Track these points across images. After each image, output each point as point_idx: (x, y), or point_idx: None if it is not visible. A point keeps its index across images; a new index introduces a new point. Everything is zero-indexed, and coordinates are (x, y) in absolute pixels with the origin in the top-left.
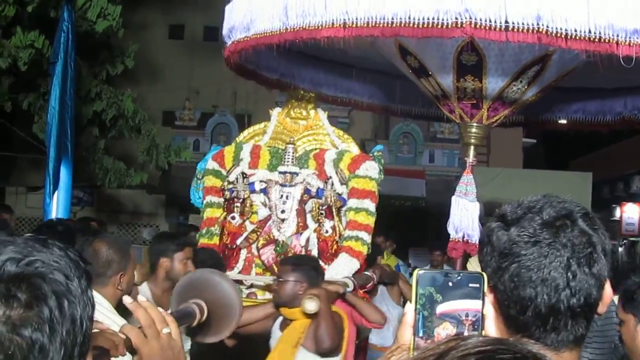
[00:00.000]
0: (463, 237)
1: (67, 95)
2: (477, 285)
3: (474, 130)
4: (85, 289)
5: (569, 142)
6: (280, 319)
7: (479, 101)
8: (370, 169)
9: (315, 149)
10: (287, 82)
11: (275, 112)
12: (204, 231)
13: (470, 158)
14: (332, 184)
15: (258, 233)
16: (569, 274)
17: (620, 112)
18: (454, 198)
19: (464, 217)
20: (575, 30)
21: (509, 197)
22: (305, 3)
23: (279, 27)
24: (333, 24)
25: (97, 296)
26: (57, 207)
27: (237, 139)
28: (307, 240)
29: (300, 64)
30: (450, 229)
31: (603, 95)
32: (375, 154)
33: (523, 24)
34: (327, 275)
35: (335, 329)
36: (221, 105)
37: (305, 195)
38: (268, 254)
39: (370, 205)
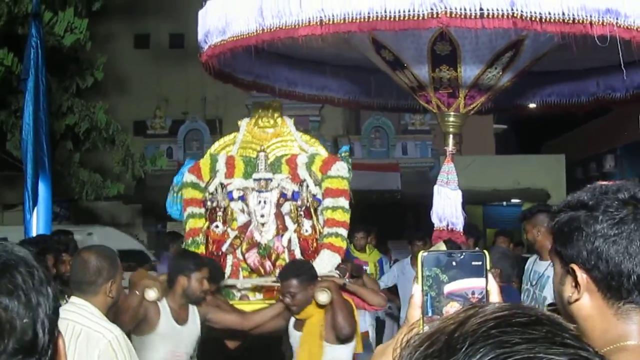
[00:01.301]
0: (447, 225)
1: (40, 110)
2: (480, 263)
3: (452, 119)
4: (48, 273)
5: (540, 126)
6: (292, 320)
7: (455, 90)
8: (341, 169)
9: (286, 154)
10: (263, 84)
11: (244, 123)
12: (189, 241)
13: (450, 147)
14: (307, 186)
15: (241, 238)
16: None
17: (594, 93)
18: (436, 187)
19: (447, 206)
20: (549, 13)
21: (484, 184)
22: (279, 3)
23: (255, 28)
24: (310, 22)
25: (87, 305)
26: (37, 223)
27: (209, 150)
28: (289, 241)
29: (275, 64)
30: (434, 218)
31: (575, 77)
32: (342, 154)
33: (497, 9)
34: None
35: (351, 315)
36: (191, 112)
37: (282, 198)
38: (253, 257)
39: (345, 203)
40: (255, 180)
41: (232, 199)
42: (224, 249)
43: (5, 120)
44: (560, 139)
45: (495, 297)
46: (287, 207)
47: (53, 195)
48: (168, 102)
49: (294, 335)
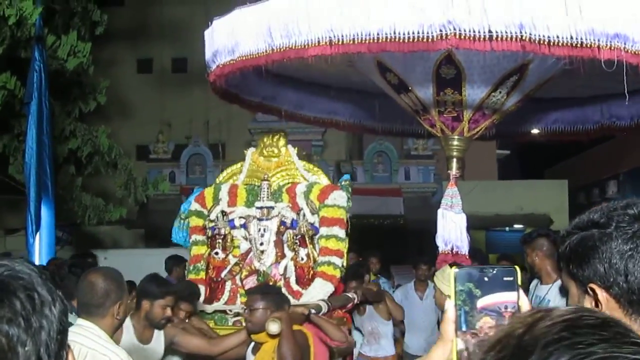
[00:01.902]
0: (452, 248)
1: (43, 134)
2: (512, 278)
3: (455, 143)
4: (50, 291)
5: (543, 151)
6: (252, 344)
7: (459, 114)
8: (338, 197)
9: (288, 183)
10: (269, 105)
11: (250, 152)
12: (191, 267)
13: (454, 170)
14: (304, 215)
15: (240, 265)
16: None
17: (598, 121)
18: (440, 211)
19: (452, 229)
20: (557, 37)
21: (487, 209)
22: (289, 23)
23: (264, 48)
24: (319, 42)
25: (94, 328)
26: (40, 247)
27: (216, 179)
28: (285, 268)
29: (281, 86)
30: (439, 242)
31: (580, 105)
32: (343, 183)
33: (506, 32)
34: (305, 299)
35: (296, 347)
36: (194, 136)
37: (282, 226)
38: (251, 283)
39: (340, 232)
40: (257, 208)
41: (233, 227)
42: (223, 275)
43: (8, 144)
44: (562, 164)
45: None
46: (286, 235)
47: (56, 219)
48: (171, 127)
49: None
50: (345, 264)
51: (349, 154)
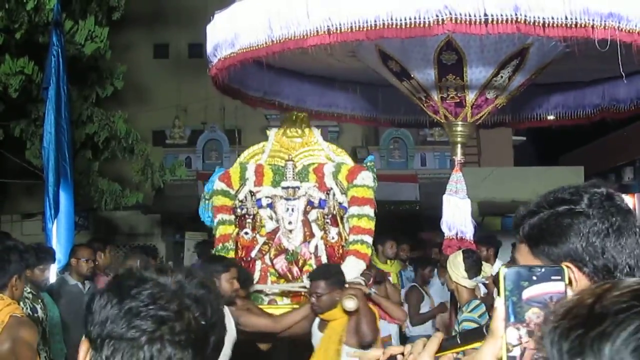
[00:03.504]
0: (457, 233)
1: (62, 118)
2: (559, 277)
3: (459, 128)
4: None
5: (558, 138)
6: (317, 320)
7: (462, 99)
8: (367, 178)
9: (313, 163)
10: (271, 100)
11: (273, 132)
12: (219, 247)
13: (459, 156)
14: (334, 195)
15: (269, 244)
16: (636, 230)
17: (598, 104)
18: (445, 197)
19: (457, 215)
20: (552, 18)
21: (502, 195)
22: (288, 14)
23: (264, 39)
24: (317, 31)
25: None
26: (58, 232)
27: (239, 159)
28: (316, 247)
29: (284, 81)
30: (444, 227)
31: (581, 88)
32: (368, 164)
33: (502, 15)
34: None
35: (374, 323)
36: (210, 122)
37: (309, 206)
38: (281, 262)
39: (370, 211)
40: (283, 188)
41: (260, 207)
42: (252, 254)
43: (25, 128)
44: (578, 150)
45: None
46: (313, 214)
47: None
48: (187, 112)
49: (316, 336)
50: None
51: (364, 139)
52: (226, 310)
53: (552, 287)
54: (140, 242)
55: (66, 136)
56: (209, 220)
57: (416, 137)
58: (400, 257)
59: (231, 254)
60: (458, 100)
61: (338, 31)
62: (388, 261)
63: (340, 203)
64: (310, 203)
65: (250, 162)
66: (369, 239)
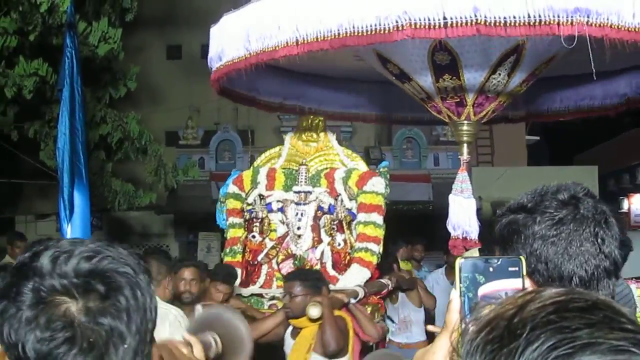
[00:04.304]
0: (462, 233)
1: (76, 120)
2: (517, 268)
3: (465, 128)
4: (149, 283)
5: (572, 137)
6: (290, 328)
7: (461, 98)
8: (377, 184)
9: (326, 168)
10: (293, 105)
11: (289, 137)
12: (227, 250)
13: (465, 156)
14: (342, 200)
15: (277, 249)
16: (598, 240)
17: (625, 94)
18: (451, 196)
19: (461, 214)
20: (514, 17)
21: (516, 195)
22: (262, 27)
23: (243, 53)
24: (287, 42)
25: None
26: (73, 233)
27: (254, 163)
28: (322, 253)
29: (301, 85)
30: (449, 227)
31: (608, 78)
32: (381, 170)
33: (461, 18)
34: (341, 284)
35: (338, 331)
36: (223, 122)
37: (319, 211)
38: (287, 267)
39: (378, 219)
40: (295, 192)
41: (271, 211)
42: (259, 258)
43: (39, 130)
44: (592, 150)
45: None
46: (323, 220)
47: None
48: (200, 113)
49: (288, 344)
50: (381, 251)
51: (377, 139)
52: (199, 311)
53: (509, 284)
54: (154, 242)
55: (80, 137)
56: (224, 224)
57: (429, 137)
58: (415, 257)
59: (238, 257)
60: (458, 100)
61: (305, 41)
62: (401, 262)
63: (348, 209)
64: (320, 208)
65: (266, 165)
66: (375, 247)
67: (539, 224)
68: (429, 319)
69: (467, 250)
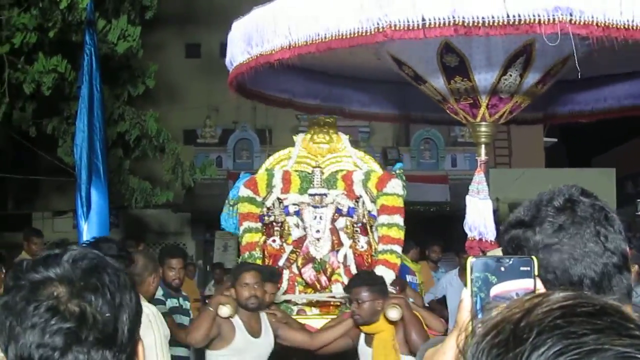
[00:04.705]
0: (478, 235)
1: (94, 117)
2: (528, 268)
3: (483, 129)
4: (131, 284)
5: (590, 139)
6: (362, 336)
7: (475, 100)
8: (396, 186)
9: (341, 170)
10: (333, 107)
11: (299, 138)
12: (246, 255)
13: (482, 157)
14: (364, 203)
15: (297, 253)
16: (601, 238)
17: None
18: (467, 197)
19: (477, 215)
20: (493, 17)
21: (533, 197)
22: (262, 32)
23: (246, 57)
24: (281, 47)
25: None
26: (89, 230)
27: (265, 165)
28: (345, 257)
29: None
30: (467, 228)
31: (631, 78)
32: (397, 171)
33: (439, 18)
34: None
35: (423, 330)
36: (241, 121)
37: (336, 214)
38: (309, 272)
39: (400, 220)
40: (310, 195)
41: (287, 214)
42: (280, 263)
43: (57, 126)
44: (610, 152)
45: None
46: (342, 222)
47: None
48: (218, 111)
49: (366, 353)
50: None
51: (395, 140)
52: (264, 318)
53: (521, 284)
54: (170, 240)
55: (99, 134)
56: (233, 227)
57: (447, 138)
58: (431, 258)
59: (258, 262)
60: (471, 101)
61: (296, 45)
62: (412, 264)
63: (369, 211)
64: (338, 211)
65: (276, 168)
66: (399, 249)
67: (539, 234)
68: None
69: (483, 252)
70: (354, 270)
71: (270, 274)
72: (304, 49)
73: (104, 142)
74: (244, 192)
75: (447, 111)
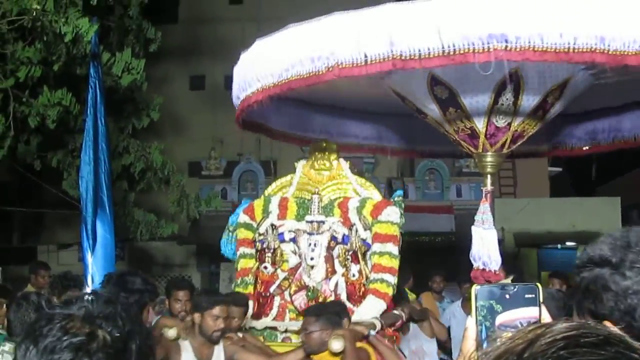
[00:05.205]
0: (482, 265)
1: (99, 150)
2: (533, 295)
3: (488, 159)
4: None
5: (595, 169)
6: None
7: (472, 130)
8: (392, 213)
9: (340, 197)
10: (343, 142)
11: (300, 165)
12: (239, 281)
13: (488, 187)
14: (357, 230)
15: (290, 280)
16: None
17: None
18: (473, 228)
19: (481, 245)
20: (428, 48)
21: (538, 227)
22: (259, 69)
23: (251, 91)
24: (257, 89)
25: None
26: (95, 263)
27: (265, 191)
28: (336, 285)
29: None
30: (472, 258)
31: (633, 110)
32: (396, 199)
33: (379, 54)
34: (356, 316)
35: None
36: (246, 153)
37: (332, 242)
38: (300, 299)
39: (393, 249)
40: (307, 222)
41: (283, 241)
42: (271, 290)
43: (62, 159)
44: (615, 181)
45: None
46: (337, 250)
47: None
48: (223, 143)
49: None
50: (396, 282)
51: (400, 170)
52: (219, 344)
53: (526, 313)
54: (175, 272)
55: (104, 168)
56: (232, 253)
57: (452, 169)
58: (434, 289)
59: (250, 289)
60: (469, 132)
61: (266, 87)
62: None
63: (363, 239)
64: (333, 238)
65: (277, 194)
66: (391, 278)
67: (629, 279)
68: (442, 349)
69: (487, 281)
70: (344, 299)
71: (237, 299)
72: (271, 90)
73: (109, 175)
74: (242, 218)
75: (452, 141)
